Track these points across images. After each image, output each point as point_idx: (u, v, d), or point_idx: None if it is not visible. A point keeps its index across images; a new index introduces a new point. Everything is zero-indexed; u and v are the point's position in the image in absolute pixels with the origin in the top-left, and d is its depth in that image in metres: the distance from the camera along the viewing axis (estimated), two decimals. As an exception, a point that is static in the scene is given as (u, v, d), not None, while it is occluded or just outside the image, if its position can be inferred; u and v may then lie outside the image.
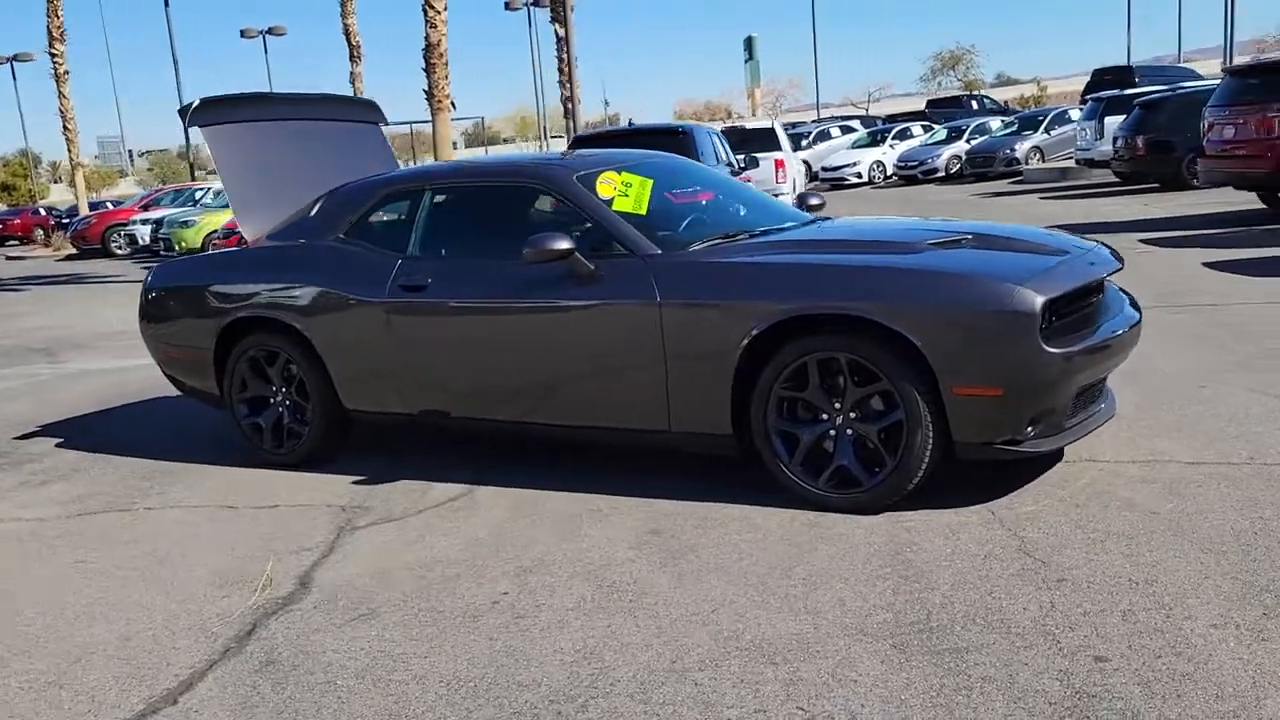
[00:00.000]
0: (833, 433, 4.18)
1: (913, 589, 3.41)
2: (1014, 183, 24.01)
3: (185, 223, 22.11)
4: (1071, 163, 23.68)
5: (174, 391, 6.15)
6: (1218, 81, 14.28)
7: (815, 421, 4.21)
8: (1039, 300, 3.84)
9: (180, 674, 3.26)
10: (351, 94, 24.47)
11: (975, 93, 41.06)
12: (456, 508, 4.61)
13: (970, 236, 4.48)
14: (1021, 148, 26.23)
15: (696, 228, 4.82)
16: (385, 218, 5.33)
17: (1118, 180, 18.76)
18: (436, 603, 3.63)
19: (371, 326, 5.04)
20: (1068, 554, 3.56)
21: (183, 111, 5.74)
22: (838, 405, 4.14)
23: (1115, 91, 22.93)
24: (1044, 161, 26.10)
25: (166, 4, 34.06)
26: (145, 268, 7.46)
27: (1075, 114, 26.78)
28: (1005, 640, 3.01)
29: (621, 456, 4.95)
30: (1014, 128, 28.21)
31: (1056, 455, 4.46)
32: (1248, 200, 13.19)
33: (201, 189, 28.00)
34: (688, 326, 4.29)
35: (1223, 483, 4.07)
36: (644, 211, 4.72)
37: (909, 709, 2.72)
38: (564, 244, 4.43)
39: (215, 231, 19.33)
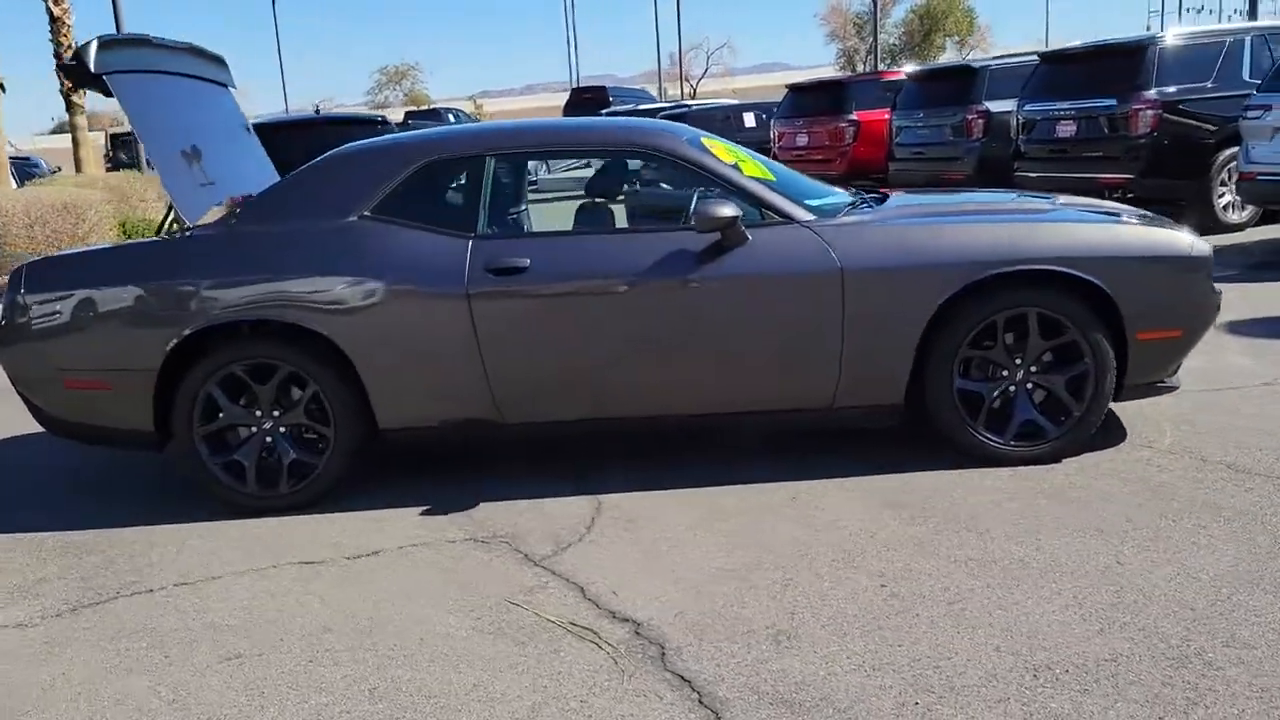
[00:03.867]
0: (1013, 389, 4.25)
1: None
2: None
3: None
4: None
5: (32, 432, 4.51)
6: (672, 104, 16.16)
7: (995, 379, 4.25)
8: (1208, 245, 4.24)
9: None
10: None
11: (452, 108, 41.97)
12: (617, 520, 3.96)
13: (1059, 203, 4.77)
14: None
15: (807, 193, 4.57)
16: (429, 190, 4.37)
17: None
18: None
19: (444, 322, 4.13)
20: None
21: (78, 54, 4.21)
22: (1018, 361, 4.22)
23: (631, 105, 24.84)
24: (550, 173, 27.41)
25: None
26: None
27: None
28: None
29: (669, 443, 4.58)
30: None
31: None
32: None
33: None
34: (874, 294, 4.10)
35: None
36: (773, 177, 4.41)
37: None
38: (730, 210, 4.02)
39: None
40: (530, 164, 4.51)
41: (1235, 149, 9.94)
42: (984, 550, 3.47)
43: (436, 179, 4.35)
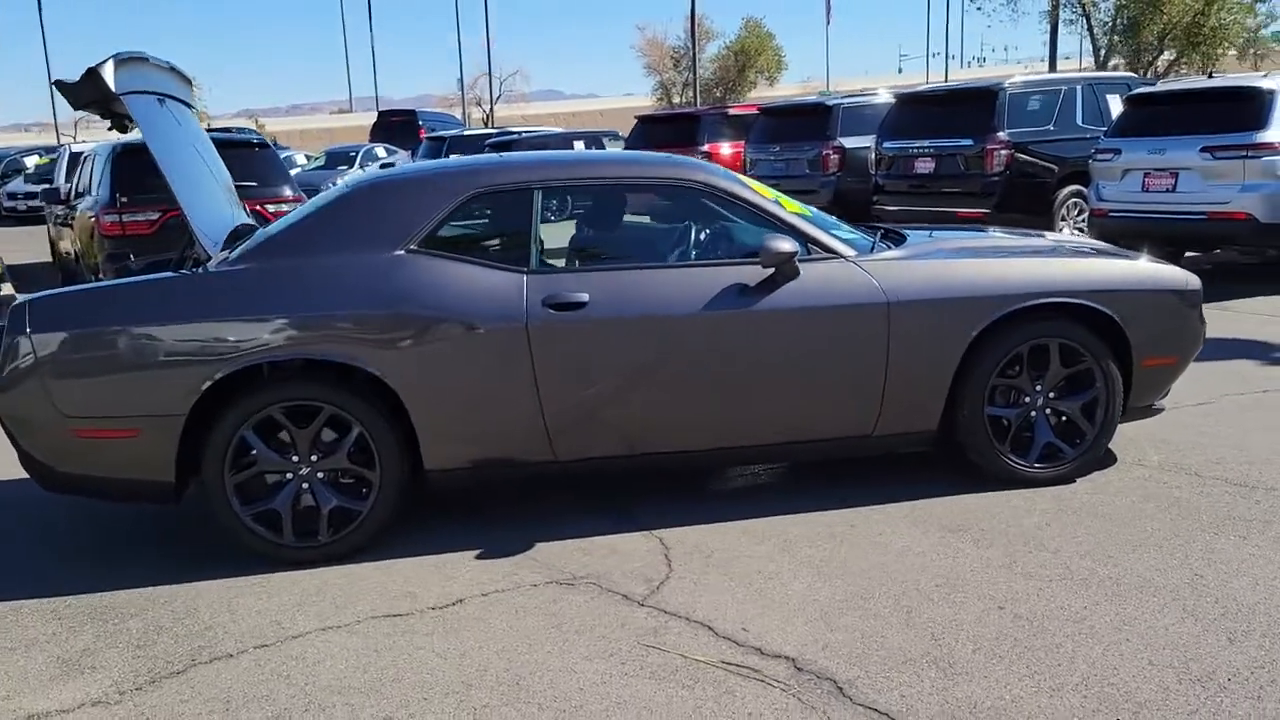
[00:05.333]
0: (1033, 414, 4.51)
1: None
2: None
3: None
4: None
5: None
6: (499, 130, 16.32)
7: (1018, 405, 4.51)
8: (1199, 280, 4.65)
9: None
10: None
11: (238, 127, 40.09)
12: (692, 555, 3.94)
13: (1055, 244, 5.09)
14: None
15: (838, 230, 4.67)
16: (477, 223, 4.22)
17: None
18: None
19: (501, 358, 4.01)
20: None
21: (93, 72, 3.83)
22: (1038, 388, 4.49)
23: (455, 132, 24.53)
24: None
25: None
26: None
27: (381, 151, 27.94)
28: None
29: (700, 475, 4.64)
30: (321, 162, 28.43)
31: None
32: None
33: None
34: (916, 325, 4.27)
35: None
36: (809, 213, 4.51)
37: None
38: (791, 245, 4.13)
39: None
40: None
41: (1075, 187, 10.87)
42: (1068, 569, 3.67)
43: (483, 211, 4.22)
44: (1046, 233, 5.48)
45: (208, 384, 3.86)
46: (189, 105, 5.02)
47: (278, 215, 9.27)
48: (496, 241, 4.19)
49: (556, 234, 4.34)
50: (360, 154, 28.75)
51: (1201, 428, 5.15)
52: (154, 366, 3.86)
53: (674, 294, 4.14)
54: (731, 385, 4.19)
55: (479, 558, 4.03)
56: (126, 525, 4.56)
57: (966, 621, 3.33)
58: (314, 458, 4.02)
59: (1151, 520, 4.07)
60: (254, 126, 61.83)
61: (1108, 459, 4.77)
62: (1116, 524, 4.05)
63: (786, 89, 50.79)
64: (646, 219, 4.59)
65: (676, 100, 42.76)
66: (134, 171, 8.90)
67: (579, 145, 20.11)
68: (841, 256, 4.32)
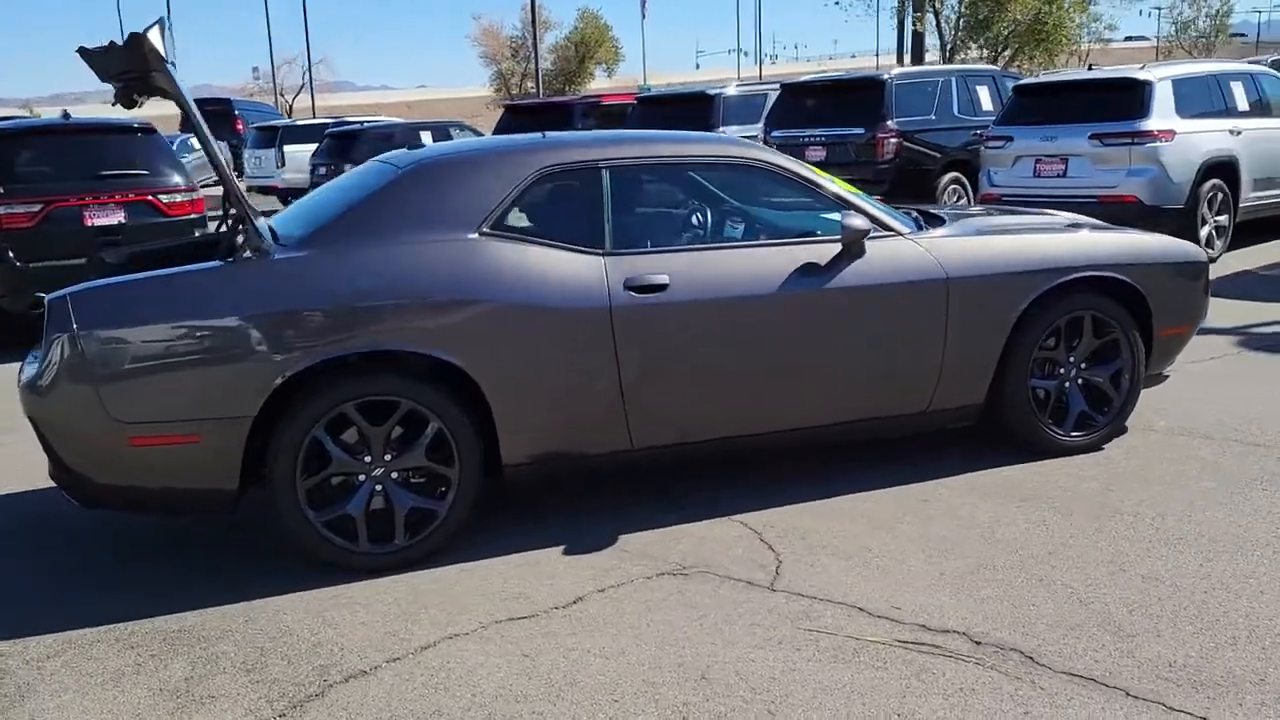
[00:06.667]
0: (1067, 385, 4.67)
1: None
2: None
3: None
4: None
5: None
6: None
7: (1054, 376, 4.65)
8: (1205, 255, 4.91)
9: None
10: None
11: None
12: (788, 537, 3.88)
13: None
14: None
15: (887, 210, 4.67)
16: (547, 203, 3.99)
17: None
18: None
19: (585, 344, 3.83)
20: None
21: (137, 40, 3.40)
22: (1071, 359, 4.65)
23: (289, 122, 23.45)
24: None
25: None
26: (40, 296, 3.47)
27: (195, 142, 26.45)
28: None
29: (740, 459, 4.62)
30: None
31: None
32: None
33: None
34: (971, 301, 4.34)
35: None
36: (859, 193, 4.50)
37: None
38: (865, 223, 4.13)
39: None
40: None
41: (955, 174, 11.35)
42: (1158, 530, 3.80)
43: (552, 191, 4.01)
44: (1052, 210, 5.67)
45: (279, 381, 3.52)
46: None
47: (171, 208, 8.63)
48: (569, 222, 3.99)
49: (624, 214, 4.18)
50: (177, 144, 27.11)
51: (1184, 394, 5.43)
52: (218, 364, 3.49)
53: (749, 274, 4.06)
54: (807, 365, 4.15)
55: (566, 554, 3.84)
56: (127, 540, 4.13)
57: (1102, 585, 3.40)
58: (387, 457, 3.73)
59: (1198, 481, 4.27)
60: (28, 113, 57.40)
61: (1120, 427, 4.98)
62: (1169, 486, 4.23)
63: (600, 83, 50.95)
64: (707, 199, 4.47)
65: (515, 92, 42.24)
66: (8, 157, 8.07)
67: (426, 136, 19.59)
68: (900, 234, 4.34)
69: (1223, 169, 9.61)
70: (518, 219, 3.92)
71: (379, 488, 3.74)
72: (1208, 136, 9.52)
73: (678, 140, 4.29)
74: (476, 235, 3.81)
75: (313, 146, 20.33)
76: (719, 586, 3.52)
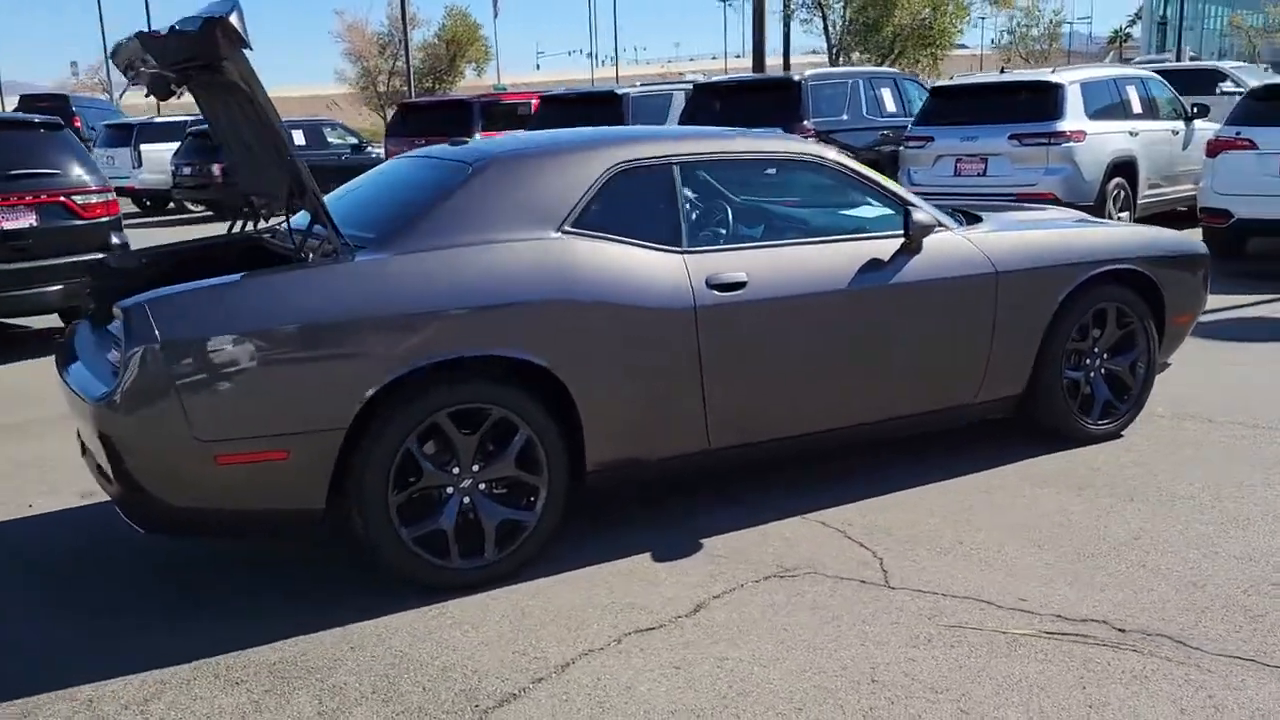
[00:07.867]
0: (1092, 374, 4.81)
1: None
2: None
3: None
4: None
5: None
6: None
7: (1081, 367, 4.78)
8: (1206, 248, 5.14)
9: None
10: None
11: None
12: (871, 534, 3.85)
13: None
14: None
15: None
16: (622, 199, 3.83)
17: (205, 209, 18.69)
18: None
19: (670, 343, 3.72)
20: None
21: (216, 24, 3.10)
22: (1095, 349, 4.79)
23: (145, 119, 22.19)
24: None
25: None
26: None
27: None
28: None
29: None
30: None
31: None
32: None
33: None
34: (1017, 293, 4.42)
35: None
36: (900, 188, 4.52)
37: None
38: (929, 219, 4.17)
39: None
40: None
41: (867, 173, 11.56)
42: (1226, 512, 3.94)
43: (626, 187, 3.87)
44: (1058, 207, 5.84)
45: (372, 390, 3.29)
46: None
47: (86, 209, 8.03)
48: (645, 220, 3.86)
49: (696, 211, 4.08)
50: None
51: (1171, 380, 5.66)
52: (308, 374, 3.23)
53: (820, 270, 4.02)
54: (876, 360, 4.15)
55: (657, 560, 3.72)
56: (181, 563, 3.80)
57: (1204, 568, 3.49)
58: (475, 467, 3.54)
59: (1230, 464, 4.45)
60: None
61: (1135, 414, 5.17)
62: (1208, 467, 4.40)
63: (470, 82, 49.99)
64: (772, 194, 4.42)
65: (383, 89, 41.00)
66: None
67: (298, 135, 18.86)
68: (949, 230, 4.38)
69: (1125, 168, 10.13)
70: (598, 217, 3.77)
71: (467, 500, 3.54)
72: (1112, 138, 10.02)
73: (747, 137, 4.22)
74: (559, 234, 3.65)
75: (173, 146, 19.33)
76: (836, 587, 3.46)
